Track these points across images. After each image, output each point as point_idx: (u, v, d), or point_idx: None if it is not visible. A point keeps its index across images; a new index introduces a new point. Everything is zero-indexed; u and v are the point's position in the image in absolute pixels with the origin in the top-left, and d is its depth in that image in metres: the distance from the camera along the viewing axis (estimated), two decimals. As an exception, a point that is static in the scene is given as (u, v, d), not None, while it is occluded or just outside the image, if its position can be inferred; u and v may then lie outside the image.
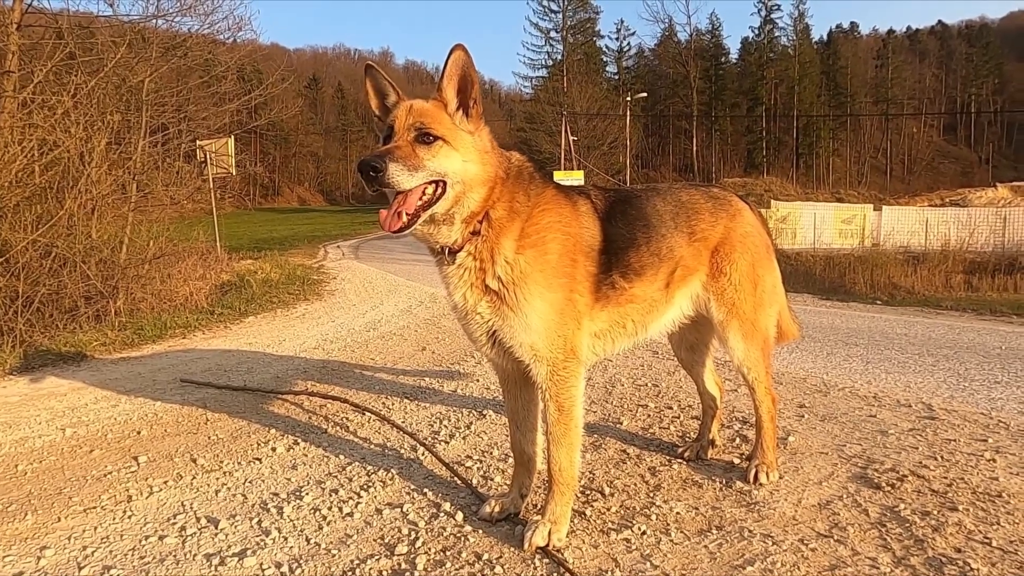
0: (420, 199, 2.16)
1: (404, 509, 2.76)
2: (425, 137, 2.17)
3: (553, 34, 77.87)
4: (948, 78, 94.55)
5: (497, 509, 2.63)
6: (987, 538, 2.34)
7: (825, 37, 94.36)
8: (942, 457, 3.15)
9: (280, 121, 67.03)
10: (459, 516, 2.67)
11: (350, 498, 2.90)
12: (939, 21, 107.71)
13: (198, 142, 15.65)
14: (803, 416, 3.91)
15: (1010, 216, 23.57)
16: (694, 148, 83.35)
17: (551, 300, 2.32)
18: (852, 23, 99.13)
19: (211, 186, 17.10)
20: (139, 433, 3.99)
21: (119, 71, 10.92)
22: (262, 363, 6.03)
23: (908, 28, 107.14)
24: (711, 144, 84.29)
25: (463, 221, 2.27)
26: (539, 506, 2.71)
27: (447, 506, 2.77)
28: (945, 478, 2.89)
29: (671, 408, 4.18)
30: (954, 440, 3.40)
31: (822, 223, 26.31)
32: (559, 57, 76.18)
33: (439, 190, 2.18)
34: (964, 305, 10.48)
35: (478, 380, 5.10)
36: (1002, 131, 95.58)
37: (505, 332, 2.34)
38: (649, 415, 4.05)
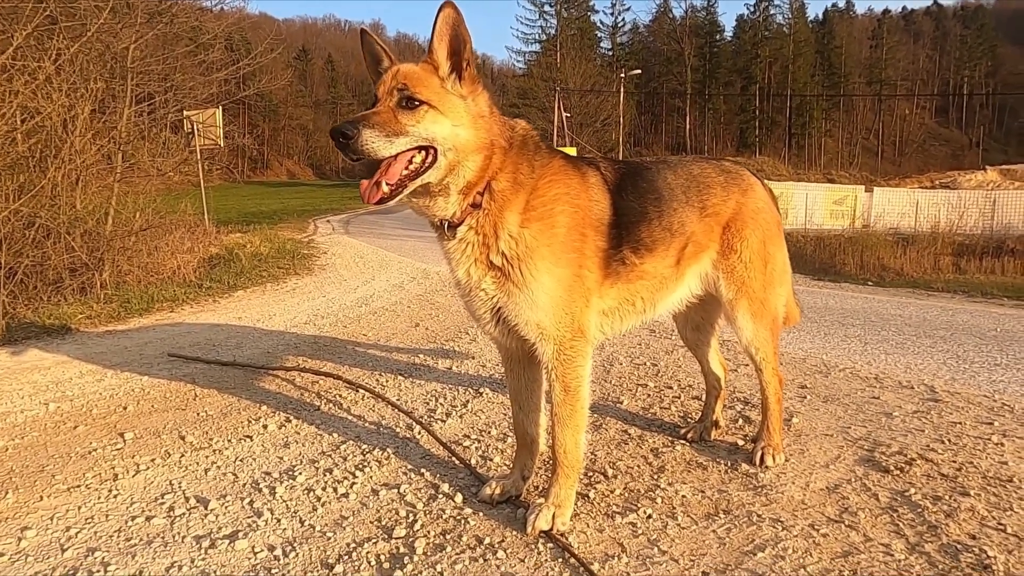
0: (406, 168, 2.04)
1: (401, 490, 2.67)
2: (409, 101, 2.03)
3: (547, 8, 77.01)
4: (942, 60, 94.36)
5: (498, 491, 2.54)
6: (1001, 524, 2.29)
7: (820, 16, 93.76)
8: (949, 440, 3.10)
9: (269, 93, 66.06)
10: (458, 498, 2.59)
11: (345, 478, 2.81)
12: (935, 1, 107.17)
13: (185, 112, 15.31)
14: (805, 397, 3.85)
15: (1000, 199, 23.61)
16: (687, 126, 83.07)
17: (559, 276, 2.21)
18: (848, 2, 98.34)
19: (199, 157, 16.79)
20: (125, 409, 3.88)
21: (103, 37, 10.59)
22: (252, 338, 5.91)
23: (904, 8, 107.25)
24: (704, 123, 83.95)
25: (460, 192, 2.15)
26: (540, 488, 2.64)
27: (446, 487, 2.68)
28: (954, 462, 2.83)
29: (671, 388, 4.11)
30: (960, 423, 3.35)
31: (814, 204, 26.20)
32: (553, 32, 75.32)
33: (429, 158, 2.06)
34: (955, 287, 10.50)
35: (473, 358, 5.01)
36: (993, 114, 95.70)
37: (510, 310, 2.23)
38: (649, 395, 3.97)
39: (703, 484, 2.68)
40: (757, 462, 2.82)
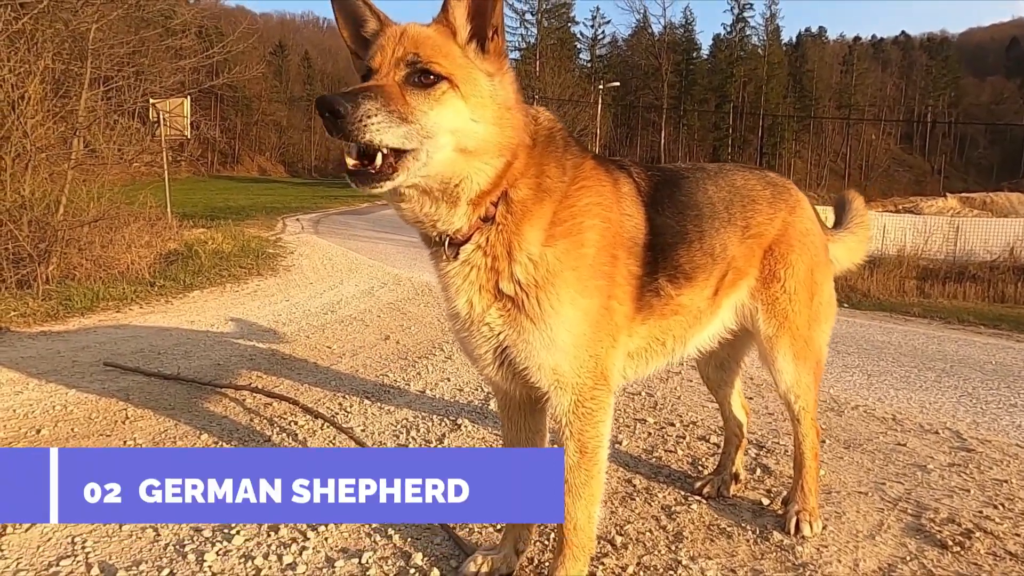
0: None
1: (363, 560, 2.15)
2: (423, 76, 1.50)
3: (528, 16, 76.77)
4: (908, 88, 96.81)
5: (485, 568, 2.04)
6: (1104, 630, 1.88)
7: (794, 40, 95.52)
8: (1002, 505, 2.69)
9: (242, 86, 64.64)
10: (435, 574, 2.08)
11: (293, 540, 2.28)
12: (903, 32, 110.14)
13: (151, 100, 14.55)
14: (824, 441, 3.43)
15: (963, 226, 23.91)
16: (662, 141, 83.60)
17: (585, 308, 1.73)
18: (820, 27, 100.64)
19: (163, 147, 16.01)
20: (38, 432, 3.28)
21: (61, 14, 9.86)
22: (202, 346, 5.32)
23: (873, 36, 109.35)
24: (678, 139, 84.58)
25: (470, 202, 1.63)
26: (536, 563, 2.15)
27: (419, 558, 2.17)
28: (1018, 536, 2.42)
29: (673, 425, 3.66)
30: (1006, 481, 2.95)
31: (787, 223, 26.20)
32: (533, 40, 75.19)
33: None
34: (929, 312, 10.35)
35: (449, 379, 4.50)
36: (954, 143, 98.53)
37: (520, 350, 1.73)
38: (650, 433, 3.51)
39: (731, 559, 2.22)
40: (792, 530, 2.37)
